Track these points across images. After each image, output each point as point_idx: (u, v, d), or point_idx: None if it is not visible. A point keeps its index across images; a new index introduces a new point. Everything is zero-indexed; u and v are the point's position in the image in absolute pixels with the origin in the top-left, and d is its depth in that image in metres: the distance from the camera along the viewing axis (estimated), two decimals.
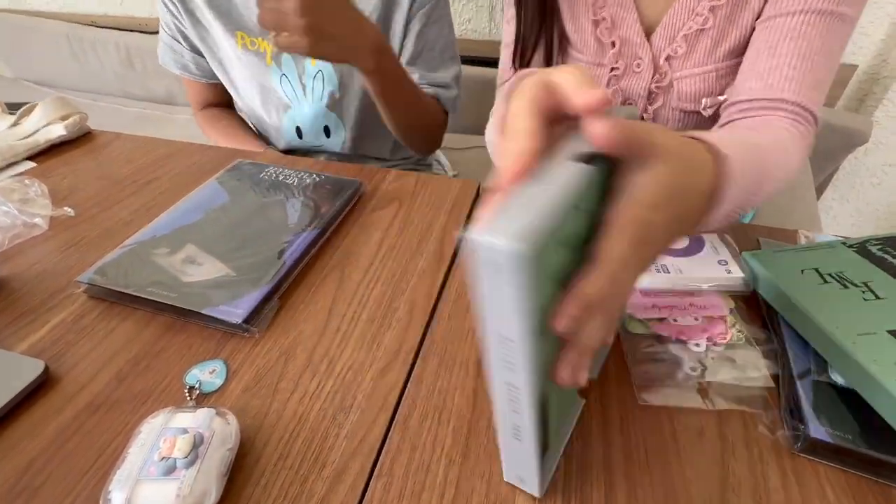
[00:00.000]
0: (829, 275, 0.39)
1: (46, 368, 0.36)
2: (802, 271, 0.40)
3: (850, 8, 0.46)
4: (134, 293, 0.41)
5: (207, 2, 0.72)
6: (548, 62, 0.62)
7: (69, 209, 0.54)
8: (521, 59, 0.61)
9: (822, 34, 0.46)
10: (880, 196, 1.27)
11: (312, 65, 0.76)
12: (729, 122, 0.51)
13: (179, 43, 0.79)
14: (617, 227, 0.22)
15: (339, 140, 0.82)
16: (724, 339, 0.40)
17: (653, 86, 0.57)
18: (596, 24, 0.58)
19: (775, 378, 0.37)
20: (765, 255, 0.44)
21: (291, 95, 0.79)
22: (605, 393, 0.36)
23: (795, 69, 0.46)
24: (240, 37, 0.74)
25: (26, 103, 0.70)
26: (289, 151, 0.86)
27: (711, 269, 0.44)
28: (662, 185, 0.23)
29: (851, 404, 0.33)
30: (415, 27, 0.74)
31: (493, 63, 1.24)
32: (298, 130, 0.81)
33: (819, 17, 0.46)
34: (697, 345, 0.39)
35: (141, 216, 0.53)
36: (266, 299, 0.42)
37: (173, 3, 0.74)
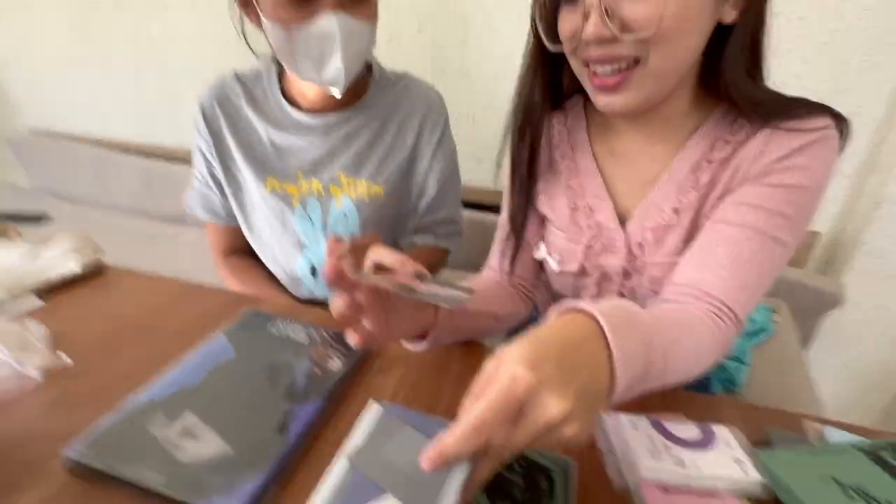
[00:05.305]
0: (851, 489, 0.38)
1: None
2: (821, 479, 0.40)
3: (786, 235, 0.51)
4: (121, 476, 0.38)
5: (243, 152, 0.79)
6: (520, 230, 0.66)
7: (66, 357, 0.53)
8: (515, 234, 0.66)
9: (755, 249, 0.51)
10: (864, 352, 1.30)
11: (339, 207, 0.79)
12: (664, 300, 0.54)
13: (211, 189, 0.84)
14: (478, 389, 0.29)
15: None
16: None
17: (627, 265, 0.60)
18: (574, 209, 0.62)
19: None
20: (780, 457, 0.43)
21: (310, 235, 0.81)
22: None
23: (725, 270, 0.50)
24: (269, 181, 0.79)
25: (41, 213, 0.71)
26: (308, 301, 0.87)
27: (727, 468, 0.43)
28: (520, 349, 0.29)
29: None
30: (436, 166, 0.83)
31: (489, 208, 1.34)
32: (313, 270, 0.83)
33: (755, 234, 0.51)
34: None
35: (142, 369, 0.52)
36: (264, 487, 0.39)
37: (211, 154, 0.80)
